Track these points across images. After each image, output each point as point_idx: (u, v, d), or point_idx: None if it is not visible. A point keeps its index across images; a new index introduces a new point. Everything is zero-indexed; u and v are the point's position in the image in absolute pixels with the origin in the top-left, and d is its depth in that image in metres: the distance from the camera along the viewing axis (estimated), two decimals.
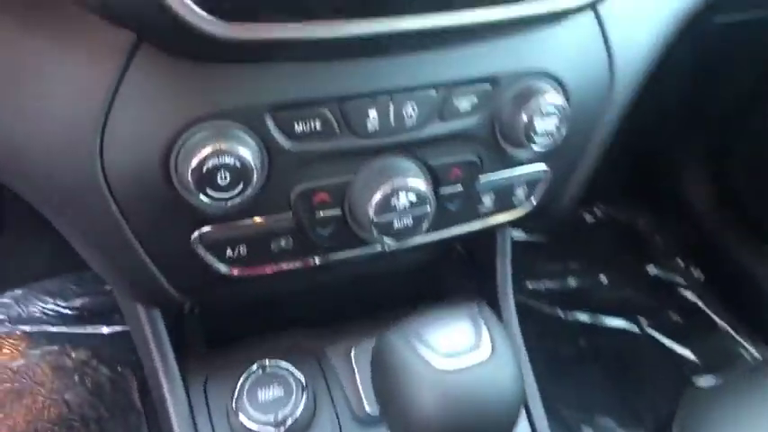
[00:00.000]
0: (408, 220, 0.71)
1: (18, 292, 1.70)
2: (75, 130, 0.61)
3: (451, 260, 1.09)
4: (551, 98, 0.71)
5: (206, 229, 0.68)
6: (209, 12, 0.55)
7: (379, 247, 0.78)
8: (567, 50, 0.74)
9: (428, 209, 0.71)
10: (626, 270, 1.90)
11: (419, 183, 0.70)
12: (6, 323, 1.68)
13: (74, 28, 0.60)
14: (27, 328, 1.68)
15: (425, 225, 0.73)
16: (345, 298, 1.00)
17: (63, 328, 1.65)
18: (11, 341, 1.65)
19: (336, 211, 0.72)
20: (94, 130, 0.61)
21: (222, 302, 0.96)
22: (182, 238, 0.69)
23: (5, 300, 1.69)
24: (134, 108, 0.61)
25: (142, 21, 0.57)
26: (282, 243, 0.72)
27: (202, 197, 0.62)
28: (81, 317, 1.63)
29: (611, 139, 0.85)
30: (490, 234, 1.00)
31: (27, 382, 1.57)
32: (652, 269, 1.87)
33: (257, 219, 0.70)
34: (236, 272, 0.73)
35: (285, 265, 0.75)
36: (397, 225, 0.71)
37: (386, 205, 0.69)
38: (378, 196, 0.69)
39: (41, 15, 0.60)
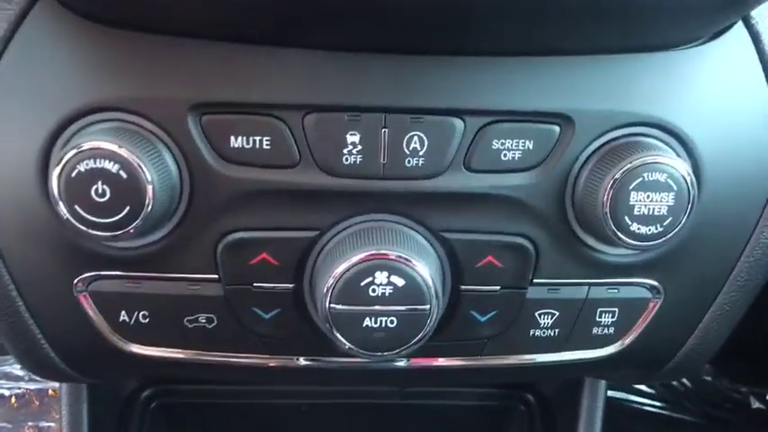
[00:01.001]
0: (390, 322, 0.43)
1: None
2: None
3: (514, 415, 0.76)
4: (665, 162, 0.42)
5: (91, 274, 0.46)
6: None
7: (354, 359, 0.50)
8: (699, 91, 0.45)
9: (428, 310, 0.43)
10: None
11: (418, 265, 0.43)
12: None
13: None
14: None
15: (422, 335, 0.44)
16: None
17: None
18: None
19: (286, 286, 0.46)
20: None
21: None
22: (62, 283, 0.47)
23: None
24: (17, 84, 0.44)
25: None
26: (202, 320, 0.48)
27: (70, 217, 0.41)
28: None
29: None
30: (573, 382, 0.67)
31: None
32: None
33: (165, 274, 0.46)
34: (134, 348, 0.49)
35: (204, 356, 0.49)
36: (368, 324, 0.43)
37: (352, 288, 0.43)
38: (339, 271, 0.42)
39: None
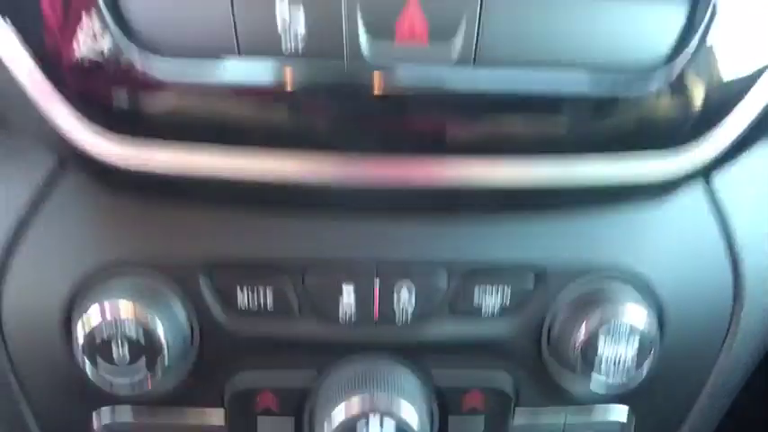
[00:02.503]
0: None
1: None
2: None
3: None
4: (631, 313, 0.47)
5: (108, 410, 0.50)
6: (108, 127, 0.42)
7: None
8: (663, 241, 0.50)
9: None
10: None
11: (406, 407, 0.47)
12: None
13: None
14: None
15: None
16: None
17: None
18: None
19: (287, 425, 0.51)
20: None
21: None
22: (80, 419, 0.51)
23: None
24: (44, 244, 0.48)
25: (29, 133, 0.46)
26: None
27: (91, 370, 0.45)
28: None
29: (739, 385, 0.56)
30: None
31: None
32: None
33: (177, 412, 0.50)
34: None
35: None
36: None
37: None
38: (339, 417, 0.47)
39: None
